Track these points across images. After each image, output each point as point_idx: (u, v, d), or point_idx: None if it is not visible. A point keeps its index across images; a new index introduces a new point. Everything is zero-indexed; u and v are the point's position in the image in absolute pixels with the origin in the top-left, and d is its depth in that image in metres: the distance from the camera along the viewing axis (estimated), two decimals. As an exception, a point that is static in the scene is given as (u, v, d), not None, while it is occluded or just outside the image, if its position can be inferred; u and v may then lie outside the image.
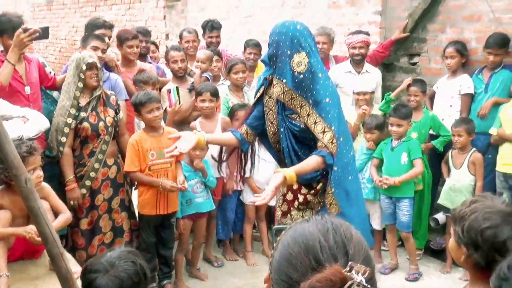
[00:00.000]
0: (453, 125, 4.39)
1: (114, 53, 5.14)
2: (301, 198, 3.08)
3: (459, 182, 4.39)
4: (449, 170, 4.53)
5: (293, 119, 2.90)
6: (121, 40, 4.73)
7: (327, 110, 2.79)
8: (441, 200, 4.53)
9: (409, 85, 4.77)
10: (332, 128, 2.78)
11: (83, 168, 3.75)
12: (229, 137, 3.18)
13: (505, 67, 4.45)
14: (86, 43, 4.20)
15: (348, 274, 0.91)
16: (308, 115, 2.81)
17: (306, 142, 2.92)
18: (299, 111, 2.83)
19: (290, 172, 2.77)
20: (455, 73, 4.69)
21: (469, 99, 4.60)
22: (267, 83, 2.96)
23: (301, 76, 2.77)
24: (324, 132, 2.79)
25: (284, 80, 2.82)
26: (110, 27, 4.74)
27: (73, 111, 3.69)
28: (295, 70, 2.78)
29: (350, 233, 1.02)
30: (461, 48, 4.67)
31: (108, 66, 4.56)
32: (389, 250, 4.66)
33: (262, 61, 3.24)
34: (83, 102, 3.75)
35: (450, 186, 4.46)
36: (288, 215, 3.16)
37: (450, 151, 4.52)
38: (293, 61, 2.78)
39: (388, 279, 4.41)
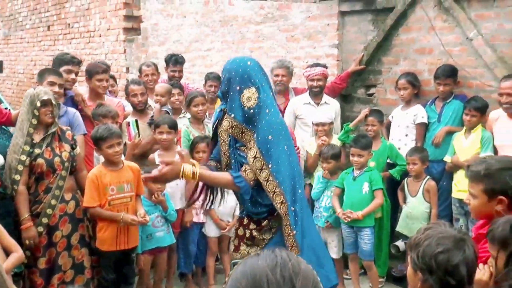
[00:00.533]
0: (407, 154, 4.53)
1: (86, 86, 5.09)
2: (247, 233, 3.07)
3: (415, 210, 4.51)
4: (405, 198, 4.64)
5: (241, 150, 2.91)
6: (91, 73, 4.69)
7: (267, 147, 2.77)
8: (399, 228, 4.62)
9: (366, 115, 4.91)
10: (269, 166, 2.76)
11: (39, 205, 3.64)
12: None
13: (456, 97, 4.63)
14: (42, 78, 4.12)
15: None
16: (250, 149, 2.82)
17: None
18: (249, 145, 2.84)
19: (196, 168, 2.77)
20: (409, 104, 4.85)
21: (424, 128, 4.76)
22: (222, 116, 2.99)
23: (251, 111, 2.79)
24: (261, 169, 2.77)
25: (233, 115, 2.83)
26: (78, 63, 4.65)
27: (26, 148, 3.60)
28: (245, 105, 2.79)
29: (298, 267, 1.04)
30: (413, 80, 4.85)
31: (74, 101, 4.52)
32: (351, 279, 4.69)
33: (217, 95, 3.29)
34: (37, 138, 3.66)
35: (406, 214, 4.57)
36: (239, 250, 3.16)
37: (405, 179, 4.64)
38: (243, 96, 2.79)
39: (351, 308, 4.43)
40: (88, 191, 3.72)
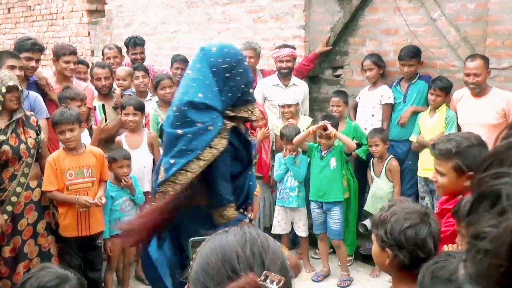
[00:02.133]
0: (368, 136, 4.58)
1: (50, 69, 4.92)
2: None
3: (380, 189, 4.60)
4: (372, 178, 4.73)
5: None
6: (58, 55, 4.56)
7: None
8: (366, 207, 4.71)
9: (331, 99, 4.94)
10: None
11: (3, 193, 3.54)
12: None
13: (420, 77, 4.69)
14: (1, 62, 3.96)
15: (263, 283, 0.93)
16: None
17: None
18: None
19: None
20: (375, 84, 4.90)
21: (390, 108, 4.82)
22: None
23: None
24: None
25: None
26: (40, 50, 4.44)
27: None
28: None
29: (267, 244, 1.05)
30: (377, 60, 4.88)
31: (39, 85, 4.40)
32: (321, 258, 4.76)
33: None
34: (1, 124, 3.53)
35: (372, 194, 4.66)
36: None
37: (371, 159, 4.71)
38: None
39: (320, 286, 4.50)
40: (46, 175, 3.67)
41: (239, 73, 2.59)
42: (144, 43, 5.78)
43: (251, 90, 2.71)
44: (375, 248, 1.85)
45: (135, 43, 5.63)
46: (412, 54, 4.61)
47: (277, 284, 0.94)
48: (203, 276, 1.02)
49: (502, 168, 0.47)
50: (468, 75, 4.09)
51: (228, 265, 0.99)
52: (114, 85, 4.90)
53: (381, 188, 4.59)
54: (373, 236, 1.87)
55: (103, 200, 3.75)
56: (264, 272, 0.95)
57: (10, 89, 3.51)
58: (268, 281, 0.94)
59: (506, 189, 0.45)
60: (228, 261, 1.00)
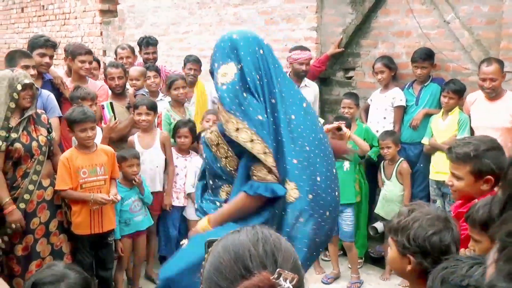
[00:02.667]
0: (379, 138, 4.56)
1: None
2: None
3: (390, 192, 4.57)
4: (382, 180, 4.70)
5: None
6: (74, 54, 4.62)
7: (255, 124, 2.29)
8: (377, 210, 4.69)
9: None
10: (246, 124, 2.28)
11: (16, 190, 3.56)
12: None
13: (433, 80, 4.67)
14: (14, 62, 3.98)
15: (276, 281, 0.93)
16: (237, 129, 2.29)
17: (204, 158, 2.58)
18: (226, 127, 2.32)
19: (203, 221, 2.43)
20: (387, 87, 4.88)
21: (402, 111, 4.80)
22: None
23: (224, 87, 2.32)
24: (265, 153, 2.27)
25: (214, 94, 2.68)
26: (53, 46, 4.53)
27: (2, 133, 3.49)
28: (219, 82, 2.35)
29: (279, 242, 1.06)
30: (389, 63, 4.86)
31: (53, 84, 4.45)
32: (330, 260, 4.75)
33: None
34: (13, 122, 3.55)
35: (383, 196, 4.64)
36: None
37: (382, 162, 4.69)
38: (219, 73, 2.36)
39: (331, 289, 4.50)
40: (59, 174, 3.68)
41: None
42: (157, 43, 5.81)
43: None
44: (393, 254, 1.82)
45: (148, 42, 5.66)
46: (425, 56, 4.58)
47: (290, 282, 0.94)
48: (215, 275, 1.02)
49: None
50: (484, 79, 4.04)
51: (241, 264, 1.00)
52: (127, 85, 4.93)
53: (392, 191, 4.57)
54: (390, 241, 1.84)
55: (119, 197, 3.80)
56: (277, 270, 0.95)
57: (25, 87, 3.53)
58: (281, 279, 0.94)
59: None
60: (240, 259, 1.00)
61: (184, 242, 2.52)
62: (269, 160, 2.26)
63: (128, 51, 5.52)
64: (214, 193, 2.50)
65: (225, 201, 2.44)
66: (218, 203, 2.47)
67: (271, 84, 2.39)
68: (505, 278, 0.46)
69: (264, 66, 2.38)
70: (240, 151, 2.34)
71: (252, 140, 2.26)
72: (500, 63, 4.05)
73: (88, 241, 3.81)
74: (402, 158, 4.56)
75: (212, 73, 2.47)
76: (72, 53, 4.66)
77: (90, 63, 4.71)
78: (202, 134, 2.56)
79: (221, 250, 1.05)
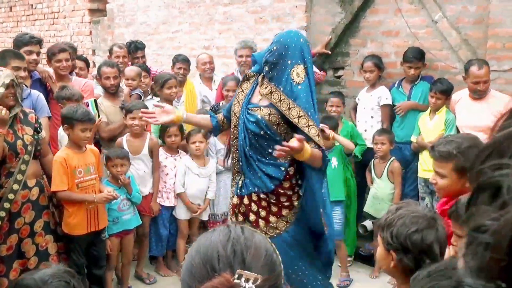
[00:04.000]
0: (375, 134, 4.57)
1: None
2: (263, 213, 3.10)
3: (380, 190, 4.59)
4: (372, 179, 4.72)
5: (252, 111, 2.99)
6: (49, 55, 4.59)
7: (316, 118, 2.96)
8: (366, 208, 4.71)
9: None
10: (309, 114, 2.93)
11: (0, 190, 3.52)
12: (206, 121, 3.34)
13: (423, 78, 4.69)
14: (4, 62, 3.93)
15: (237, 282, 0.93)
16: (309, 126, 2.90)
17: (258, 139, 2.99)
18: (297, 121, 2.89)
19: (308, 149, 2.83)
20: (374, 86, 4.90)
21: (388, 109, 4.83)
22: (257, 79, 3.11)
23: (299, 87, 2.87)
24: (318, 135, 2.93)
25: (281, 88, 2.91)
26: (38, 42, 4.51)
27: None
28: (294, 80, 2.87)
29: (251, 240, 1.04)
30: (378, 62, 4.89)
31: (42, 82, 4.43)
32: (320, 259, 4.77)
33: (253, 58, 3.28)
34: None
35: (373, 195, 4.66)
36: None
37: (372, 160, 4.71)
38: (293, 71, 2.88)
39: (320, 287, 4.50)
40: (57, 175, 3.64)
41: None
42: (144, 46, 5.86)
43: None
44: (380, 251, 1.84)
45: (137, 47, 5.69)
46: (420, 56, 4.60)
47: (253, 283, 0.93)
48: (187, 276, 1.03)
49: (502, 159, 0.46)
50: (477, 83, 4.07)
51: (208, 265, 0.99)
52: (123, 85, 4.92)
53: (382, 189, 4.59)
54: (378, 238, 1.86)
55: (117, 194, 3.83)
56: (237, 271, 0.95)
57: (7, 86, 3.49)
58: (242, 279, 0.93)
59: (507, 181, 0.43)
60: (209, 260, 1.00)
61: None
62: (322, 142, 3.01)
63: (124, 50, 5.52)
64: (274, 159, 2.96)
65: (289, 163, 3.02)
66: (282, 168, 3.00)
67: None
68: (472, 274, 0.47)
69: (312, 66, 3.02)
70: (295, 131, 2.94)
71: (308, 126, 2.90)
72: (487, 64, 4.09)
73: (84, 240, 3.80)
74: (393, 157, 4.57)
75: (270, 65, 2.92)
76: (48, 55, 4.63)
77: (67, 60, 4.63)
78: (259, 116, 2.96)
79: (194, 252, 1.05)
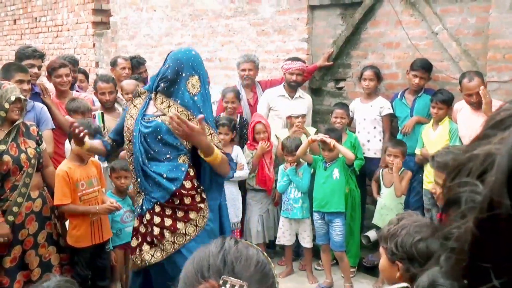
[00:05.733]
0: (389, 146, 4.52)
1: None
2: (156, 230, 3.07)
3: (389, 201, 4.56)
4: (379, 189, 4.71)
5: (150, 119, 3.06)
6: (49, 71, 4.62)
7: (215, 127, 3.22)
8: (375, 220, 4.66)
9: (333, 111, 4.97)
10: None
11: (4, 203, 3.54)
12: (101, 146, 3.37)
13: (426, 91, 4.68)
14: (9, 75, 3.99)
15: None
16: (210, 134, 3.05)
17: (155, 146, 3.05)
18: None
19: (219, 154, 3.00)
20: (371, 96, 4.93)
21: (390, 119, 4.85)
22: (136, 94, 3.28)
23: (195, 98, 3.02)
24: (220, 143, 3.13)
25: (179, 101, 3.02)
26: (40, 56, 4.59)
27: None
28: (190, 92, 3.01)
29: (243, 251, 1.07)
30: (378, 72, 4.93)
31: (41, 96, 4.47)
32: (323, 269, 4.77)
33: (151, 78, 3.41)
34: (1, 135, 3.53)
35: (381, 206, 4.62)
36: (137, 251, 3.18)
37: (381, 170, 4.71)
38: (188, 83, 3.01)
39: (323, 299, 4.51)
40: (59, 188, 3.65)
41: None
42: (145, 61, 6.07)
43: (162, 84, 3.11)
44: (383, 262, 1.85)
45: (139, 62, 5.85)
46: (427, 67, 4.60)
47: None
48: (181, 285, 1.06)
49: (463, 178, 0.54)
50: (469, 95, 4.09)
51: (199, 273, 1.03)
52: (120, 96, 4.96)
53: (391, 199, 4.54)
54: (381, 250, 1.87)
55: (119, 205, 3.82)
56: (222, 277, 0.97)
57: (14, 101, 3.54)
58: (227, 286, 0.96)
59: (465, 196, 0.52)
60: (200, 269, 1.03)
61: None
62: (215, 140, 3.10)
63: (128, 62, 5.60)
64: (172, 160, 3.04)
65: (189, 165, 3.10)
66: (183, 168, 3.05)
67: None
68: (444, 275, 0.54)
69: (207, 79, 3.18)
70: None
71: (210, 134, 3.05)
72: (479, 74, 4.11)
73: (88, 252, 3.81)
74: (404, 168, 4.55)
75: (171, 80, 3.02)
76: (48, 69, 4.66)
77: (67, 75, 4.65)
78: (159, 120, 3.05)
79: (189, 264, 1.09)
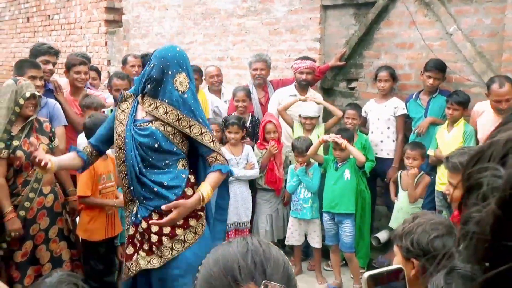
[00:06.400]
0: (408, 148, 4.43)
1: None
2: (154, 238, 2.95)
3: (406, 204, 4.50)
4: (397, 191, 4.66)
5: (143, 126, 2.92)
6: (69, 66, 4.65)
7: (207, 123, 3.03)
8: (391, 223, 4.59)
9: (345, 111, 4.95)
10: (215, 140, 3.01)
11: (16, 197, 3.57)
12: (75, 160, 3.10)
13: (441, 92, 4.64)
14: (21, 71, 4.03)
15: None
16: (201, 134, 2.94)
17: (151, 153, 2.93)
18: (189, 131, 2.91)
19: (207, 187, 2.87)
20: (386, 96, 4.90)
21: (404, 119, 4.82)
22: (121, 99, 3.09)
23: (185, 95, 2.88)
24: (213, 141, 2.98)
25: (166, 100, 2.88)
26: (55, 53, 4.63)
27: (1, 145, 3.49)
28: (179, 90, 2.88)
29: (269, 252, 1.06)
30: (393, 73, 4.89)
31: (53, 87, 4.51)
32: (333, 270, 4.74)
33: (134, 80, 3.24)
34: (15, 130, 3.57)
35: (398, 209, 4.55)
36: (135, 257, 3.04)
37: (399, 172, 4.66)
38: (175, 81, 2.87)
39: (332, 299, 4.48)
40: (83, 181, 3.75)
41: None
42: None
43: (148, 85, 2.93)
44: (398, 260, 1.83)
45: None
46: (441, 68, 4.55)
47: None
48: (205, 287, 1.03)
49: (484, 163, 0.55)
50: (499, 101, 3.98)
51: (230, 276, 1.00)
52: None
53: (408, 202, 4.45)
54: (395, 249, 1.86)
55: None
56: (263, 282, 0.96)
57: (28, 97, 3.57)
58: None
59: (487, 179, 0.52)
60: (230, 271, 1.01)
61: None
62: (216, 147, 3.00)
63: (139, 60, 5.59)
64: (172, 167, 2.96)
65: (189, 171, 3.04)
66: (184, 175, 2.98)
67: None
68: (463, 260, 0.55)
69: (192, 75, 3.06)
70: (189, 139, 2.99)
71: (201, 133, 2.94)
72: (509, 80, 3.99)
73: (101, 246, 3.86)
74: (423, 172, 4.48)
75: (157, 80, 2.88)
76: (66, 65, 4.69)
77: (86, 73, 4.70)
78: (153, 127, 2.93)
79: (212, 263, 1.06)
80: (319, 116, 4.99)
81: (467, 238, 0.53)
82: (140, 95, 2.99)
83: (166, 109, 2.87)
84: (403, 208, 4.52)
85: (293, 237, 4.80)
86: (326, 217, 4.60)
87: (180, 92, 2.87)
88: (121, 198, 3.75)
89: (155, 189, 2.90)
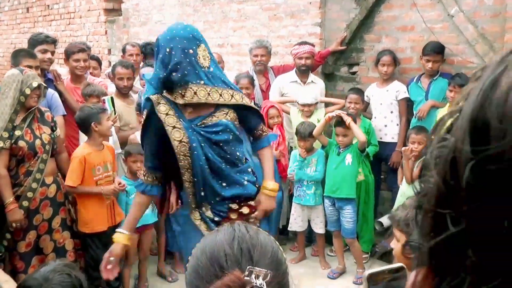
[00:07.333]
0: (412, 132, 4.33)
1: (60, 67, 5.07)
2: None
3: (410, 190, 4.48)
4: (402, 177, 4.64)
5: (208, 121, 2.67)
6: (68, 54, 4.64)
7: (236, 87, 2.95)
8: (395, 207, 4.58)
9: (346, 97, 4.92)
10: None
11: (19, 188, 3.58)
12: (146, 203, 2.95)
13: (442, 75, 4.61)
14: (17, 61, 4.02)
15: (247, 278, 0.93)
16: (242, 97, 2.77)
17: (226, 148, 2.71)
18: (235, 101, 2.72)
19: (269, 183, 2.82)
20: (387, 81, 4.86)
21: (406, 103, 4.79)
22: (151, 104, 2.66)
23: (211, 69, 2.66)
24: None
25: (201, 82, 2.62)
26: (53, 42, 4.61)
27: (5, 134, 3.49)
28: (204, 66, 2.62)
29: (257, 238, 1.05)
30: (395, 56, 4.86)
31: (54, 82, 4.49)
32: (336, 255, 4.75)
33: (147, 80, 2.80)
34: (17, 120, 3.57)
35: (401, 194, 4.54)
36: None
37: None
38: (198, 58, 2.59)
39: (336, 283, 4.50)
40: (73, 171, 3.72)
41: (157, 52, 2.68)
42: None
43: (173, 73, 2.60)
44: (399, 246, 1.82)
45: (153, 50, 5.69)
46: (438, 50, 4.52)
47: (263, 279, 0.93)
48: (194, 277, 1.03)
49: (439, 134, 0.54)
50: None
51: (216, 264, 1.00)
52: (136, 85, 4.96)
53: (410, 188, 4.47)
54: (396, 233, 1.84)
55: (123, 182, 3.87)
56: (248, 268, 0.95)
57: (33, 88, 3.57)
58: (253, 276, 0.93)
59: (435, 151, 0.52)
60: (216, 260, 1.00)
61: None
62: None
63: (137, 48, 5.56)
64: (245, 173, 2.80)
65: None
66: (254, 182, 2.83)
67: None
68: (417, 233, 0.54)
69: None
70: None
71: (242, 97, 2.80)
72: None
73: (104, 236, 3.82)
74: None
75: (181, 63, 2.57)
76: (65, 53, 4.67)
77: (85, 61, 4.69)
78: (224, 120, 2.70)
79: (199, 252, 1.05)
80: (316, 102, 4.96)
81: (418, 210, 0.53)
82: (167, 91, 2.68)
83: (206, 89, 2.62)
84: (405, 192, 4.51)
85: (296, 223, 4.80)
86: (327, 202, 4.60)
87: (206, 68, 2.62)
88: (114, 184, 3.80)
89: (241, 181, 2.75)
